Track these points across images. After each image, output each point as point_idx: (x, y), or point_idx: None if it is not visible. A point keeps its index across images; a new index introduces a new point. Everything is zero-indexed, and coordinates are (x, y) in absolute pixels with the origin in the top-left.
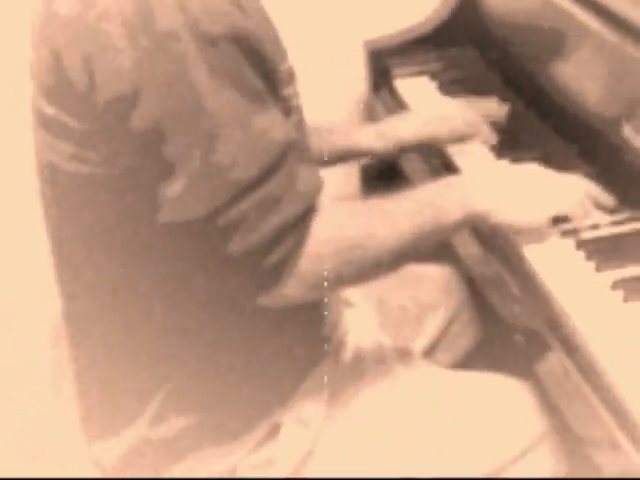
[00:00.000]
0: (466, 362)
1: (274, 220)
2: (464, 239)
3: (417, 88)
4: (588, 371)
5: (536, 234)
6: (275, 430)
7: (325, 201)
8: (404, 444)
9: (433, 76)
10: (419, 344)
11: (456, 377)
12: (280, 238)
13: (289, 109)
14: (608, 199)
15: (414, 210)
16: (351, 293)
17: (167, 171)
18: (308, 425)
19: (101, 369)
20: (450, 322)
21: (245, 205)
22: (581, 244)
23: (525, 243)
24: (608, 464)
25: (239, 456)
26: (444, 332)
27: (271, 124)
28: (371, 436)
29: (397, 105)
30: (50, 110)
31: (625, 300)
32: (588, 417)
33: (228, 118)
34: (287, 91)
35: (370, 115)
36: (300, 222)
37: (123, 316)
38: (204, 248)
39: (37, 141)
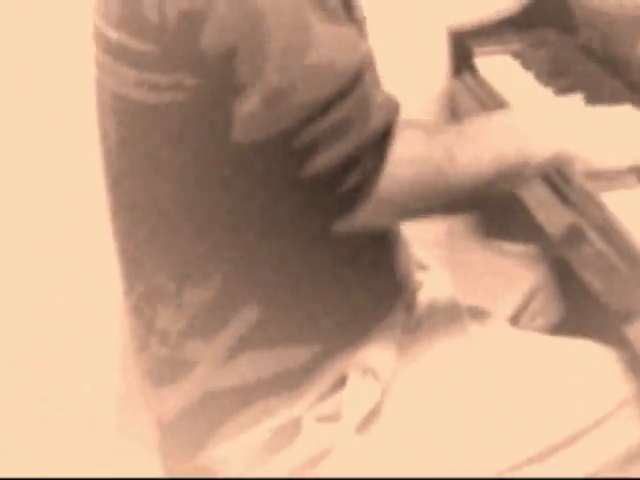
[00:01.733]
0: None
1: (352, 140)
2: (549, 213)
3: (501, 67)
4: None
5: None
6: (342, 381)
7: (403, 123)
8: (477, 404)
9: (515, 55)
10: (499, 314)
11: (535, 338)
12: (359, 159)
13: (362, 31)
14: None
15: (499, 139)
16: (425, 256)
17: (240, 89)
18: (377, 377)
19: None
20: (532, 297)
21: (322, 125)
22: None
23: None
24: None
25: (303, 407)
26: (525, 306)
27: (348, 42)
28: (443, 394)
29: (480, 86)
30: (115, 34)
31: None
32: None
33: (303, 34)
34: (359, 14)
35: (451, 101)
36: (379, 142)
37: (190, 243)
38: (280, 170)
39: (98, 71)
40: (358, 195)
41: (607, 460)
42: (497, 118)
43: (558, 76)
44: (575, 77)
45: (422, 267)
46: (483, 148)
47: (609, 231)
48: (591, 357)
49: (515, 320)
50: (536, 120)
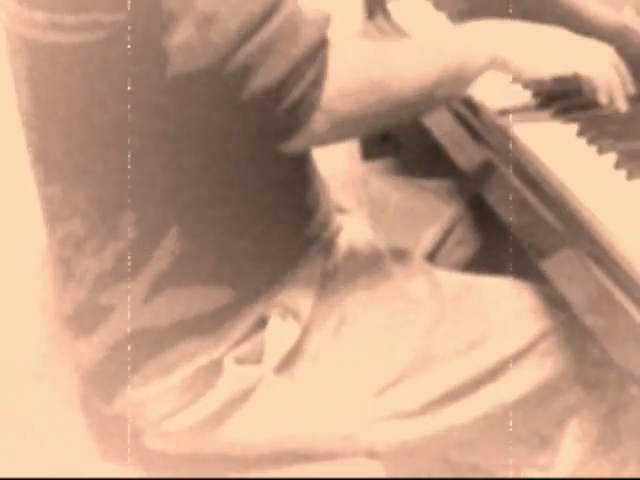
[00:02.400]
0: (465, 270)
1: (286, 56)
2: (462, 150)
3: (413, 9)
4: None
5: None
6: (262, 323)
7: (343, 38)
8: (397, 344)
9: None
10: (416, 251)
11: (453, 277)
12: (297, 73)
13: None
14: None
15: (438, 50)
16: (344, 199)
17: (169, 21)
18: (297, 317)
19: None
20: (450, 230)
21: (253, 44)
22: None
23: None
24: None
25: (224, 349)
26: (444, 239)
27: None
28: (363, 336)
29: (392, 29)
30: None
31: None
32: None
33: None
34: None
35: None
36: (316, 53)
37: (109, 183)
38: (220, 97)
39: (8, 20)
40: (302, 111)
41: (526, 393)
42: (435, 33)
43: (470, 16)
44: (487, 17)
45: (341, 210)
46: (424, 57)
47: (522, 166)
48: (507, 293)
49: (434, 254)
50: (472, 30)
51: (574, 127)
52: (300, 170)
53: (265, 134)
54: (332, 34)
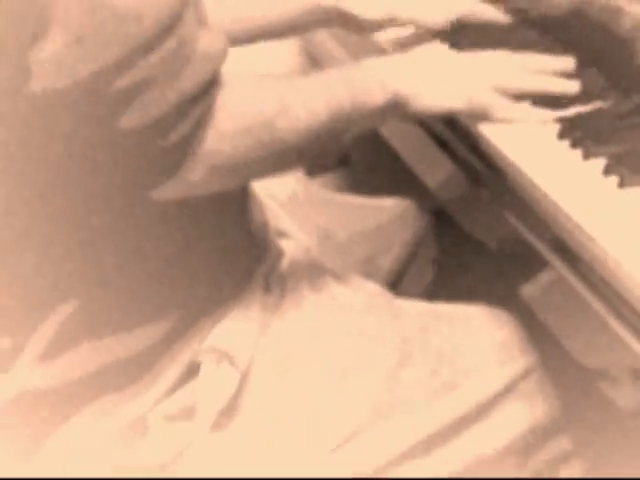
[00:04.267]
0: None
1: (174, 88)
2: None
3: None
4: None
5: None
6: (193, 369)
7: (230, 75)
8: (355, 389)
9: None
10: (374, 280)
11: (419, 307)
12: (183, 110)
13: None
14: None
15: (330, 88)
16: (285, 222)
17: (38, 34)
18: (233, 362)
19: None
20: (410, 256)
21: (139, 69)
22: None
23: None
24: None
25: (148, 403)
26: (404, 267)
27: None
28: (314, 379)
29: None
30: None
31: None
32: (598, 340)
33: None
34: None
35: None
36: (205, 91)
37: None
38: (92, 125)
39: None
40: (185, 150)
41: (508, 442)
42: (330, 70)
43: None
44: None
45: (282, 234)
46: (317, 98)
47: (497, 176)
48: (482, 323)
49: (395, 282)
50: (369, 68)
51: (554, 128)
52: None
53: (141, 176)
54: (228, 69)
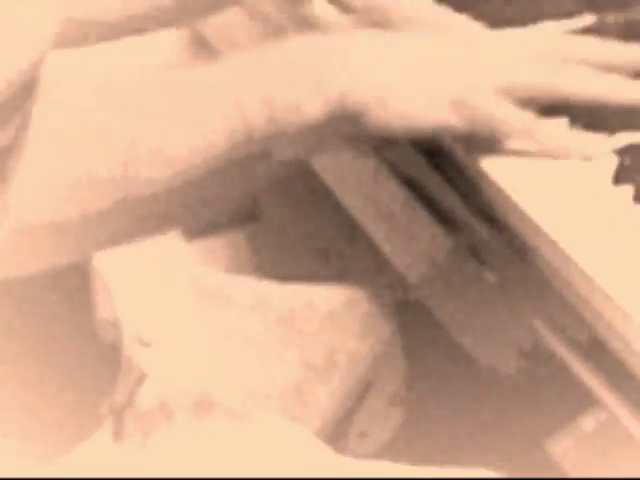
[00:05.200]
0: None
1: None
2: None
3: None
4: None
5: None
6: None
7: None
8: None
9: None
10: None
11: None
12: None
13: None
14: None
15: (229, 98)
16: (147, 329)
17: None
18: None
19: None
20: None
21: None
22: None
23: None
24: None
25: None
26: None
27: None
28: None
29: None
30: None
31: None
32: None
33: None
34: None
35: None
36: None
37: None
38: None
39: None
40: None
41: None
42: (229, 63)
43: None
44: None
45: (144, 343)
46: (206, 119)
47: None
48: None
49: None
50: (296, 53)
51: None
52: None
53: None
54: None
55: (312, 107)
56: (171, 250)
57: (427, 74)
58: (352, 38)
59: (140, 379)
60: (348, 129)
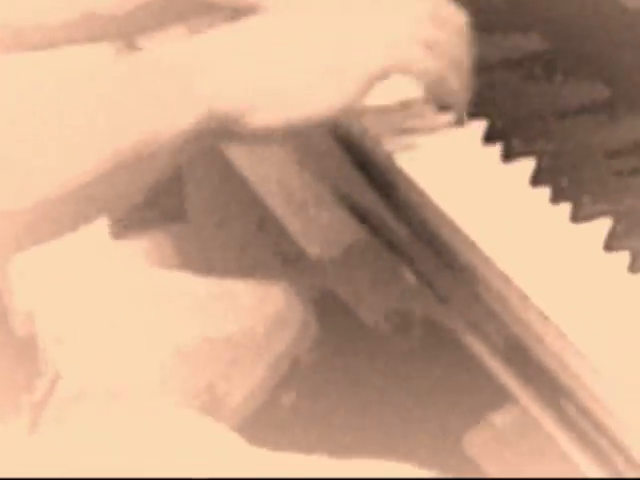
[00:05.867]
0: None
1: None
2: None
3: None
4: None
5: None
6: None
7: None
8: None
9: None
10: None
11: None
12: None
13: None
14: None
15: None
16: (61, 327)
17: None
18: None
19: None
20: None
21: None
22: None
23: None
24: None
25: None
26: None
27: None
28: None
29: None
30: None
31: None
32: None
33: None
34: None
35: None
36: None
37: None
38: None
39: None
40: None
41: None
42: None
43: None
44: None
45: (58, 341)
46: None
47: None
48: None
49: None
50: (159, 56)
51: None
52: None
53: None
54: None
55: (183, 121)
56: (95, 247)
57: (295, 65)
58: (211, 42)
59: (56, 377)
60: (230, 131)
